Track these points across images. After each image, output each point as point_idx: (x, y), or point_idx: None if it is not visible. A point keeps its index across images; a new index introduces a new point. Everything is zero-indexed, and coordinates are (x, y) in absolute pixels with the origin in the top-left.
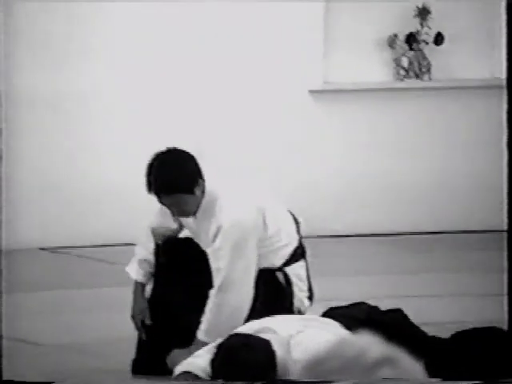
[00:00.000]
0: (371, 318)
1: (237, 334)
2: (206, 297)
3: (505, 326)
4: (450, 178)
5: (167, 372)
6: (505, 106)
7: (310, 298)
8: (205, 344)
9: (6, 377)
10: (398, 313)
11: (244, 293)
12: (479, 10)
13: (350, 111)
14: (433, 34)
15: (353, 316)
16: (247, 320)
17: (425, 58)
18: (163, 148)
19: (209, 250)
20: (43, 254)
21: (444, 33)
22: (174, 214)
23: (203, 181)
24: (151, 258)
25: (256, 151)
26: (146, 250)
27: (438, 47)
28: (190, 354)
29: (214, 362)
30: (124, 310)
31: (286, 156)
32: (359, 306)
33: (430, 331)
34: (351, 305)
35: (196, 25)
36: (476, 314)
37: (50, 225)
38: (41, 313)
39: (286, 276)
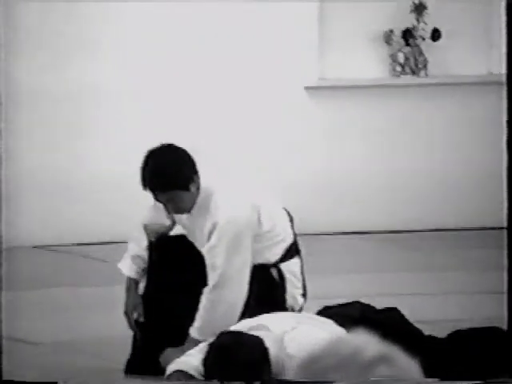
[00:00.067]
0: (366, 316)
1: (228, 332)
2: (199, 294)
3: (503, 324)
4: (447, 175)
5: (161, 371)
6: (505, 106)
7: (304, 295)
8: (198, 342)
9: (3, 376)
10: (394, 311)
11: (239, 290)
12: (476, 5)
13: (345, 108)
14: (429, 29)
15: (347, 315)
16: (241, 316)
17: (421, 53)
18: (158, 144)
19: (204, 248)
20: (37, 252)
21: (441, 28)
22: (169, 211)
23: (198, 177)
24: (144, 254)
25: (251, 148)
26: (138, 246)
27: (434, 43)
28: (182, 352)
29: (207, 361)
30: (121, 309)
31: (281, 153)
32: (354, 304)
33: (427, 329)
34: (346, 303)
35: (194, 24)
36: (473, 312)
37: (45, 223)
38: (36, 311)
39: (279, 272)
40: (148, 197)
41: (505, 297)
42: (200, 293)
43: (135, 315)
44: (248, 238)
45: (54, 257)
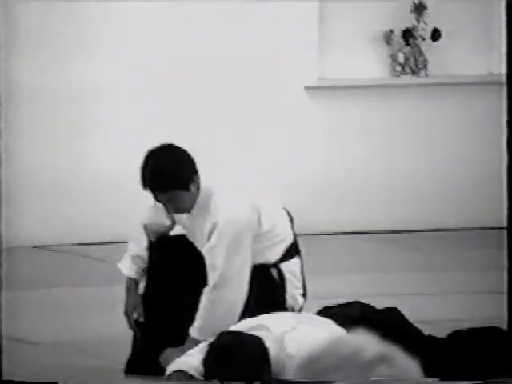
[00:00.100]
0: (366, 316)
1: (228, 332)
2: (199, 295)
3: (503, 324)
4: (447, 175)
5: (161, 371)
6: (505, 106)
7: (304, 295)
8: (198, 342)
9: (3, 376)
10: (394, 311)
11: (239, 290)
12: (476, 5)
13: (345, 108)
14: (429, 29)
15: (347, 315)
16: (241, 316)
17: (421, 53)
18: (158, 144)
19: (204, 248)
20: (37, 252)
21: (441, 28)
22: (169, 211)
23: (198, 177)
24: (144, 254)
25: (251, 148)
26: (138, 246)
27: (434, 43)
28: (182, 352)
29: (206, 361)
30: (121, 309)
31: (281, 152)
32: (354, 304)
33: (427, 329)
34: (346, 303)
35: (194, 24)
36: (473, 312)
37: (44, 223)
38: (36, 311)
39: (279, 272)
40: (148, 197)
41: (505, 297)
42: (200, 293)
43: (135, 315)
44: (248, 238)
45: (54, 257)
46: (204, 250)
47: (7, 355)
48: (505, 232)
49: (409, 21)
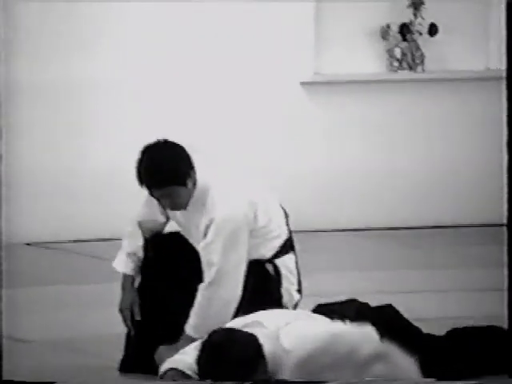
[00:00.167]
0: (361, 314)
1: (220, 330)
2: (194, 292)
3: (503, 322)
4: (445, 171)
5: (155, 369)
6: (505, 106)
7: (299, 291)
8: (192, 339)
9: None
10: (389, 309)
11: (235, 287)
12: (473, 0)
13: (342, 103)
14: (426, 24)
15: (343, 312)
16: (236, 312)
17: (418, 48)
18: (153, 140)
19: (200, 244)
20: (30, 250)
21: (438, 23)
22: (165, 207)
23: (195, 173)
24: (140, 251)
25: (247, 144)
26: (134, 243)
27: (431, 38)
28: (177, 350)
29: (200, 359)
30: (114, 306)
31: (277, 148)
32: (350, 302)
33: (426, 327)
34: (341, 301)
35: (192, 22)
36: (473, 309)
37: (40, 220)
38: (29, 309)
39: (275, 268)
40: (141, 192)
41: (505, 294)
42: (195, 290)
43: (134, 312)
44: (245, 235)
45: (50, 254)
46: (200, 247)
47: (5, 354)
48: (504, 229)
49: (406, 16)
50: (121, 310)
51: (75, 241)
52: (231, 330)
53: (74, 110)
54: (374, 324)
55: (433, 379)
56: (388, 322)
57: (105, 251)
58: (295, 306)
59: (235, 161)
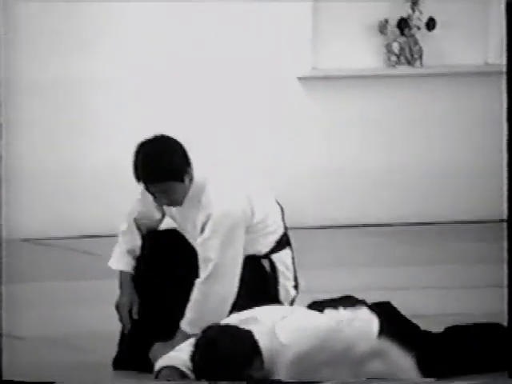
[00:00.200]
0: None
1: (215, 326)
2: (190, 288)
3: (503, 319)
4: (444, 166)
5: (150, 366)
6: (504, 100)
7: (296, 287)
8: (188, 335)
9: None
10: (386, 305)
11: (231, 282)
12: None
13: (339, 98)
14: (424, 18)
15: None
16: (232, 308)
17: (416, 43)
18: (150, 135)
19: (197, 240)
20: (26, 246)
21: (436, 18)
22: (161, 204)
23: (192, 169)
24: (137, 248)
25: (243, 140)
26: (131, 240)
27: (429, 32)
28: (172, 347)
29: (194, 356)
30: (109, 303)
31: (274, 144)
32: (346, 299)
33: (426, 324)
34: (337, 298)
35: (190, 19)
36: (473, 306)
37: (34, 216)
38: (24, 305)
39: (271, 263)
40: (137, 189)
41: (505, 291)
42: (191, 287)
43: (133, 310)
44: (242, 230)
45: (38, 250)
46: (197, 243)
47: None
48: (504, 225)
49: (404, 10)
50: (117, 307)
51: (71, 237)
52: (226, 326)
53: (73, 109)
54: None
55: (432, 379)
56: (386, 318)
57: (101, 248)
58: (292, 302)
59: (232, 157)
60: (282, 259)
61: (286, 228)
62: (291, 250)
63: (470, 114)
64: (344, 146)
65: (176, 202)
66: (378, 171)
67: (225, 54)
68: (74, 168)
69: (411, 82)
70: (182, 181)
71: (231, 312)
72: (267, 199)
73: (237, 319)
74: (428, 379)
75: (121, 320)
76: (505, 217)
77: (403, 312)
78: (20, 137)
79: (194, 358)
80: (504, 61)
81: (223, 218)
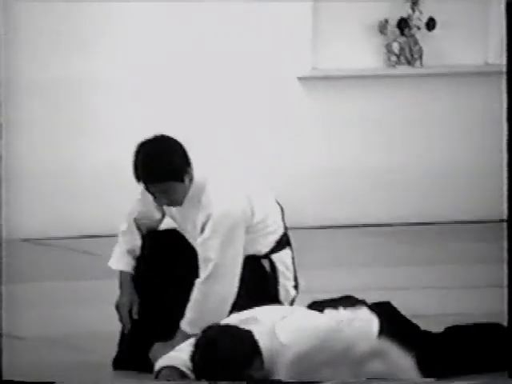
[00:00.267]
0: None
1: (215, 326)
2: (190, 289)
3: (502, 319)
4: (444, 166)
5: (149, 366)
6: (504, 100)
7: (296, 287)
8: (188, 335)
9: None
10: (386, 305)
11: (231, 282)
12: None
13: (339, 98)
14: (424, 18)
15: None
16: (232, 308)
17: (416, 43)
18: (150, 135)
19: (198, 240)
20: (26, 246)
21: (436, 18)
22: (161, 204)
23: (192, 169)
24: (138, 248)
25: (244, 140)
26: (131, 240)
27: (429, 32)
28: (172, 347)
29: (194, 356)
30: (109, 303)
31: (274, 144)
32: (345, 299)
33: (425, 324)
34: (337, 298)
35: (188, 19)
36: (473, 306)
37: (34, 216)
38: (24, 305)
39: (271, 263)
40: (137, 189)
41: (505, 291)
42: (191, 287)
43: (133, 310)
44: (242, 230)
45: (39, 250)
46: (197, 243)
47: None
48: (504, 225)
49: (404, 10)
50: (117, 307)
51: (71, 237)
52: (226, 326)
53: (73, 109)
54: None
55: (432, 379)
56: (386, 318)
57: (101, 248)
58: (292, 302)
59: (232, 157)
60: (282, 259)
61: (285, 228)
62: (291, 249)
63: (469, 113)
64: (344, 145)
65: (176, 202)
66: (377, 171)
67: (225, 54)
68: (74, 168)
69: (411, 82)
70: (182, 181)
71: (231, 312)
72: (267, 199)
73: (237, 319)
74: (428, 379)
75: (121, 320)
76: (505, 217)
77: (403, 312)
78: (20, 137)
79: (193, 357)
80: (504, 61)
81: (223, 217)
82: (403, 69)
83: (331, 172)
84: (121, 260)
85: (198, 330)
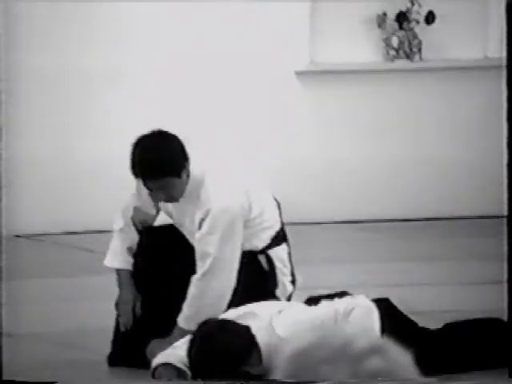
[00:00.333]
0: None
1: (211, 320)
2: (186, 285)
3: (501, 315)
4: (443, 161)
5: (147, 364)
6: (504, 94)
7: (293, 282)
8: (185, 332)
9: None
10: (385, 302)
11: (228, 278)
12: None
13: (337, 93)
14: (423, 12)
15: None
16: (229, 304)
17: (415, 37)
18: (148, 130)
19: (196, 236)
20: (19, 242)
21: (435, 11)
22: (157, 200)
23: (189, 164)
24: (135, 245)
25: (241, 134)
26: (129, 237)
27: (428, 26)
28: (169, 343)
29: (191, 351)
30: (105, 300)
31: (271, 138)
32: (341, 294)
33: (423, 320)
34: (333, 294)
35: (187, 16)
36: (471, 302)
37: (34, 212)
38: (18, 302)
39: (268, 259)
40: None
41: (505, 286)
42: (187, 283)
43: (136, 307)
44: (240, 225)
45: (32, 246)
46: (195, 238)
47: None
48: (504, 220)
49: (403, 3)
50: (117, 305)
51: (71, 233)
52: (222, 321)
53: (73, 109)
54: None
55: (433, 379)
56: (384, 315)
57: (101, 244)
58: (289, 298)
59: (229, 151)
60: (279, 255)
61: (282, 223)
62: (288, 245)
63: (469, 107)
64: (341, 140)
65: (173, 198)
66: (375, 166)
67: (223, 49)
68: (73, 167)
69: (410, 76)
70: (180, 177)
71: (228, 307)
72: (264, 194)
73: (234, 314)
74: (428, 379)
75: (121, 317)
76: (504, 213)
77: (401, 308)
78: (20, 137)
79: (190, 352)
80: (504, 54)
81: (222, 213)
82: (402, 63)
83: (328, 166)
84: (118, 258)
85: (194, 327)
